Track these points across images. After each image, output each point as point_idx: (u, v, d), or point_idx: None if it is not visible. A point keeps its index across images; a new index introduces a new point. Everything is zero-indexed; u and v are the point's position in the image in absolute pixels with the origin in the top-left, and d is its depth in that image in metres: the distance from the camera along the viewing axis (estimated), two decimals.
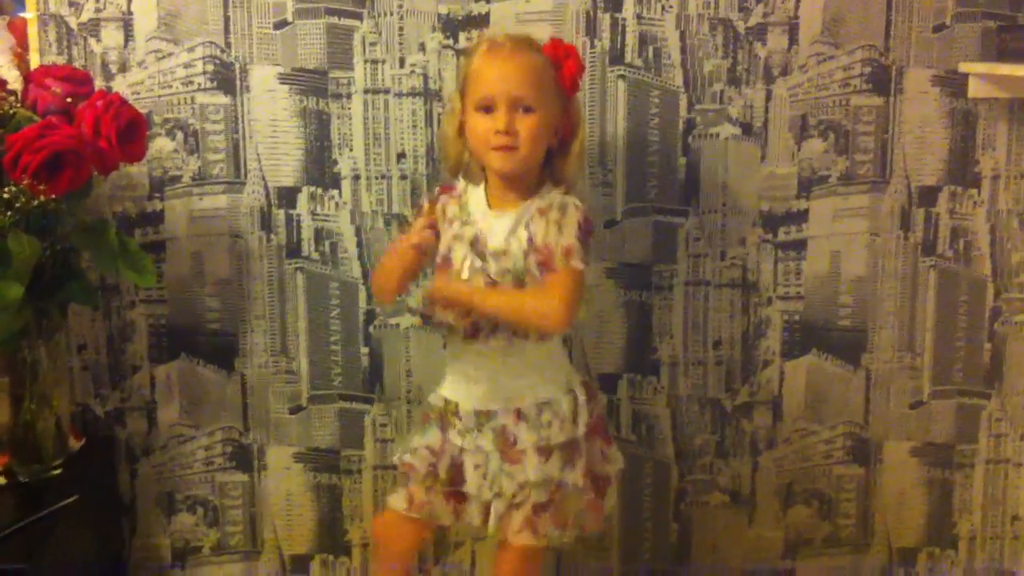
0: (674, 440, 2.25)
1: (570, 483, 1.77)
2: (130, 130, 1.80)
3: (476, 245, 1.74)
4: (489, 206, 1.76)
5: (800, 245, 2.18)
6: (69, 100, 1.81)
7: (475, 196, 1.78)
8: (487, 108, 1.69)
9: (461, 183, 1.80)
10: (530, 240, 1.72)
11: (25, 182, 1.68)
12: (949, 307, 2.22)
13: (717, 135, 2.13)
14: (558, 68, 1.73)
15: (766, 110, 2.13)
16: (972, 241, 2.19)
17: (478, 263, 1.73)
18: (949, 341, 2.23)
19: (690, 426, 2.24)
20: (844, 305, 2.20)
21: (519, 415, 1.77)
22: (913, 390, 2.25)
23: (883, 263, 2.19)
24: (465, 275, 1.73)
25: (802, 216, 2.17)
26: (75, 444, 2.03)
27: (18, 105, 1.79)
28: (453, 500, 1.81)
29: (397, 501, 1.84)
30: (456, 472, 1.80)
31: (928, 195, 2.17)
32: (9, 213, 1.70)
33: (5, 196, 1.70)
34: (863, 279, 2.19)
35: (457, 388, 1.81)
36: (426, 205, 1.82)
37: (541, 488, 1.76)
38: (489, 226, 1.75)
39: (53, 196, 1.71)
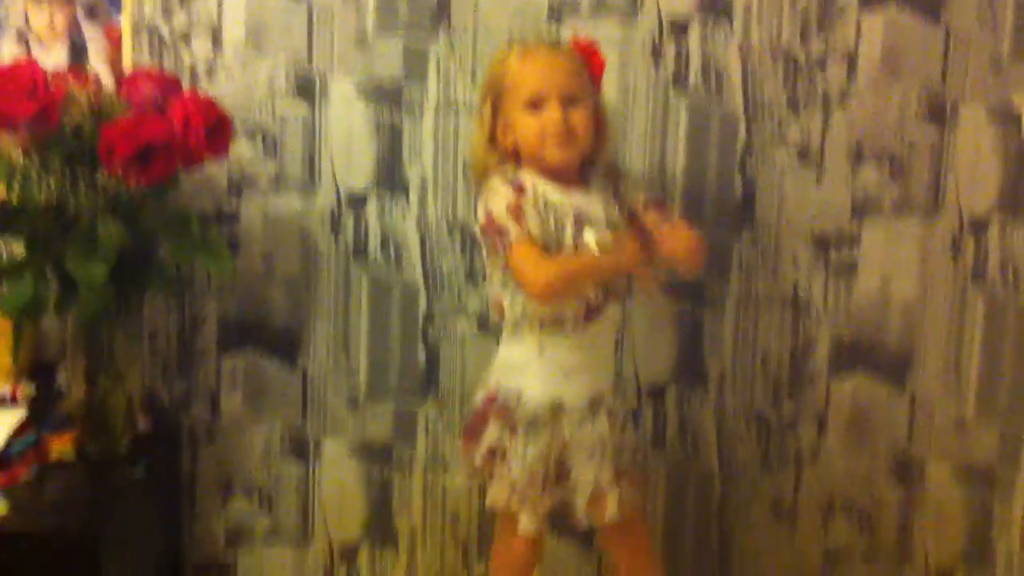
0: (719, 452, 2.30)
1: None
2: (217, 128, 1.89)
3: (582, 220, 1.81)
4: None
5: (851, 268, 2.22)
6: (160, 99, 1.90)
7: (542, 187, 1.81)
8: (535, 105, 1.79)
9: (528, 183, 1.81)
10: (620, 203, 1.87)
11: (118, 171, 1.77)
12: (995, 334, 2.25)
13: (774, 158, 2.19)
14: (586, 64, 1.85)
15: (823, 136, 2.18)
16: (1020, 270, 2.23)
17: (596, 235, 1.80)
18: (994, 367, 2.26)
19: (735, 439, 2.29)
20: (892, 328, 2.25)
21: (615, 391, 1.91)
22: (957, 413, 2.28)
23: (932, 289, 2.23)
24: (593, 248, 1.80)
25: (854, 240, 2.21)
26: (143, 426, 2.11)
27: (114, 101, 1.88)
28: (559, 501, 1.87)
29: (526, 527, 1.86)
30: (561, 469, 1.85)
31: (979, 224, 2.21)
32: (101, 199, 1.80)
33: (97, 183, 1.80)
34: (911, 303, 2.23)
35: (558, 385, 1.84)
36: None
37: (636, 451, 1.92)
38: (582, 202, 1.83)
39: (142, 185, 1.80)
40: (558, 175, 1.83)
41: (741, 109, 2.17)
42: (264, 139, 2.19)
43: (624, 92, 2.17)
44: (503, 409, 1.86)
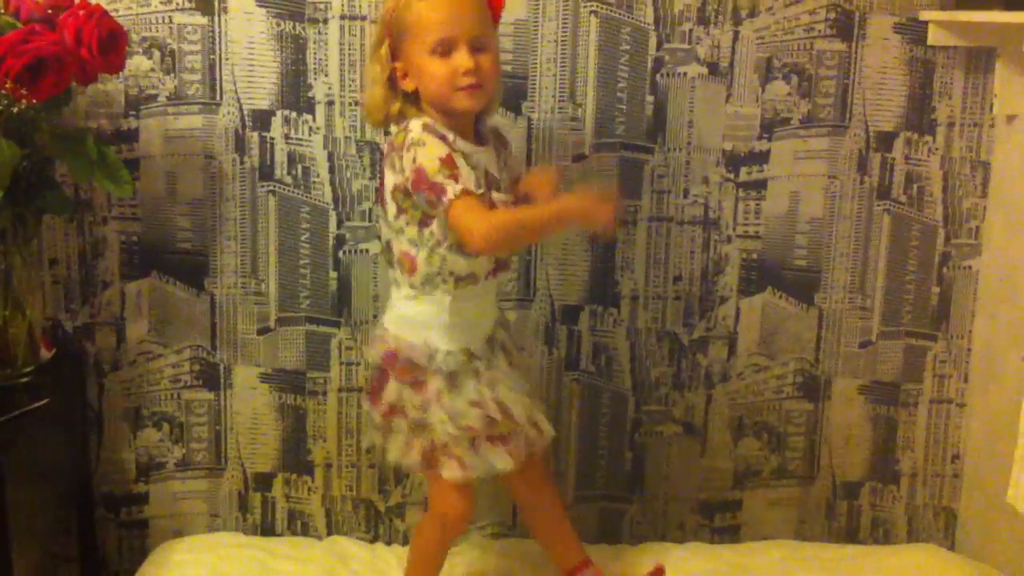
0: (632, 372, 2.31)
1: None
2: (111, 41, 1.84)
3: (491, 181, 1.78)
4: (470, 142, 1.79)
5: (760, 185, 2.24)
6: (51, 11, 1.83)
7: (458, 141, 1.76)
8: (443, 50, 1.71)
9: (450, 134, 1.75)
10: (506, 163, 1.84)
11: (7, 86, 1.71)
12: (900, 250, 2.29)
13: (685, 74, 2.18)
14: (489, 4, 1.78)
15: (733, 51, 2.18)
16: (925, 187, 2.26)
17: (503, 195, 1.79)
18: (899, 283, 2.30)
19: (648, 358, 2.31)
20: (800, 245, 2.27)
21: (503, 325, 1.91)
22: (863, 330, 2.32)
23: (839, 205, 2.26)
24: None
25: (763, 157, 2.22)
26: (46, 354, 2.07)
27: (1, 12, 1.80)
28: (499, 443, 1.84)
29: (451, 472, 1.83)
30: (505, 410, 1.83)
31: (885, 140, 2.24)
32: None
33: None
34: (819, 220, 2.26)
35: (467, 334, 1.83)
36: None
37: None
38: (487, 162, 1.79)
39: (34, 101, 1.74)
40: (459, 122, 1.77)
41: (652, 22, 2.16)
42: (161, 54, 2.12)
43: (533, 6, 2.13)
44: (407, 365, 1.82)
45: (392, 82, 1.77)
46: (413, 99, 1.77)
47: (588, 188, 1.73)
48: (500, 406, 1.82)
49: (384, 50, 1.77)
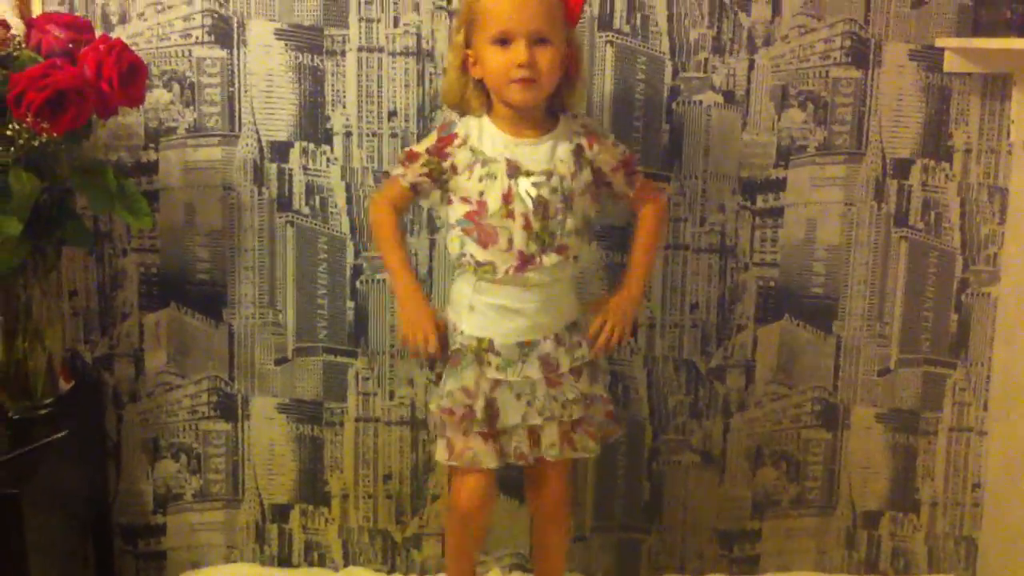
0: (649, 400, 2.30)
1: (597, 396, 1.92)
2: (131, 74, 1.85)
3: (516, 172, 1.79)
4: (510, 136, 1.82)
5: (777, 213, 2.24)
6: (71, 45, 1.85)
7: (487, 134, 1.82)
8: (503, 41, 1.74)
9: (460, 130, 1.82)
10: (579, 159, 1.83)
11: (28, 120, 1.72)
12: (918, 278, 2.28)
13: (700, 102, 2.19)
14: (563, 1, 1.79)
15: (748, 79, 2.18)
16: (943, 213, 2.25)
17: (532, 186, 1.79)
18: (917, 311, 2.29)
19: (665, 387, 2.30)
20: (817, 273, 2.26)
21: (558, 340, 1.86)
22: (881, 358, 2.31)
23: (856, 233, 2.25)
24: (528, 202, 1.78)
25: (780, 184, 2.22)
26: (65, 385, 2.07)
27: (22, 47, 1.82)
28: (491, 440, 1.86)
29: (439, 454, 1.88)
30: (492, 410, 1.85)
31: (902, 167, 2.23)
32: (11, 150, 1.74)
33: (7, 133, 1.74)
34: (836, 248, 2.25)
35: (489, 325, 1.84)
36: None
37: (579, 405, 1.87)
38: (524, 154, 1.80)
39: (54, 135, 1.75)
40: (521, 114, 1.81)
41: (667, 51, 2.17)
42: (181, 87, 2.14)
43: None
44: (444, 338, 1.88)
45: (465, 68, 1.82)
46: (484, 87, 1.82)
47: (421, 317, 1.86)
48: (488, 402, 1.84)
49: (460, 37, 1.81)
